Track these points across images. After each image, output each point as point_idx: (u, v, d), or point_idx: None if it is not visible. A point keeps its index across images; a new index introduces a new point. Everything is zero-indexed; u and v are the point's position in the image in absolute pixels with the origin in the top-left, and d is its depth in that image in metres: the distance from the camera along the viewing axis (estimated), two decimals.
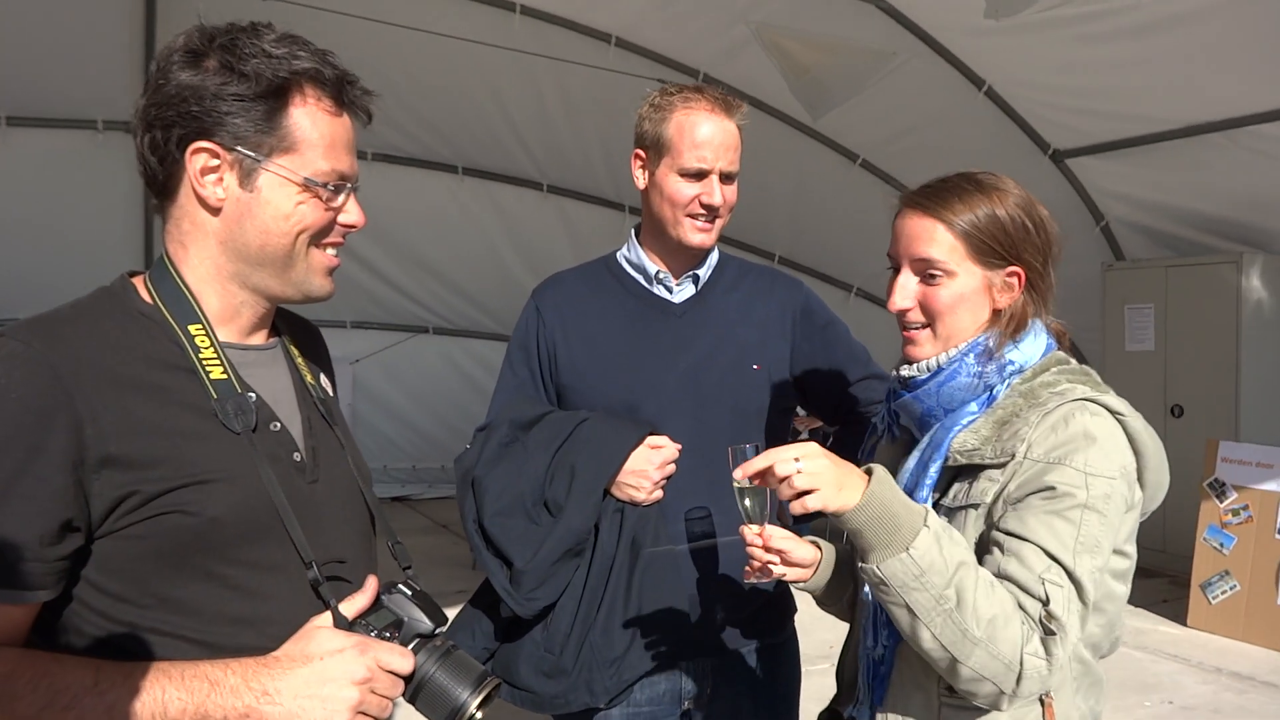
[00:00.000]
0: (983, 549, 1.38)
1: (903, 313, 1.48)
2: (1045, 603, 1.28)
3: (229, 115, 1.14)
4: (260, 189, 1.18)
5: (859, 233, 7.98)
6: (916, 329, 1.48)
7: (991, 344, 1.44)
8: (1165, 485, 1.45)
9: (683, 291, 1.99)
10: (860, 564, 1.31)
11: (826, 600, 1.70)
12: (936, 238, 1.43)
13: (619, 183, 8.29)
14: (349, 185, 1.24)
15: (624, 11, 6.61)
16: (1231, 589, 5.39)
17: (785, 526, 1.61)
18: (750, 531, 1.56)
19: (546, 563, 1.76)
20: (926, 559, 1.26)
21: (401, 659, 1.14)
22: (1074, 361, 1.49)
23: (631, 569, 1.80)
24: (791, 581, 1.63)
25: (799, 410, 2.18)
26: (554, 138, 7.73)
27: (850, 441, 2.09)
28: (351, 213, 1.25)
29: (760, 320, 1.99)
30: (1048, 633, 1.27)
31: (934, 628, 1.27)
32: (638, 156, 1.96)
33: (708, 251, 1.99)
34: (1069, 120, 6.63)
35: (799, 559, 1.60)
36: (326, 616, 1.16)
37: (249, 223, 1.18)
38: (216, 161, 1.16)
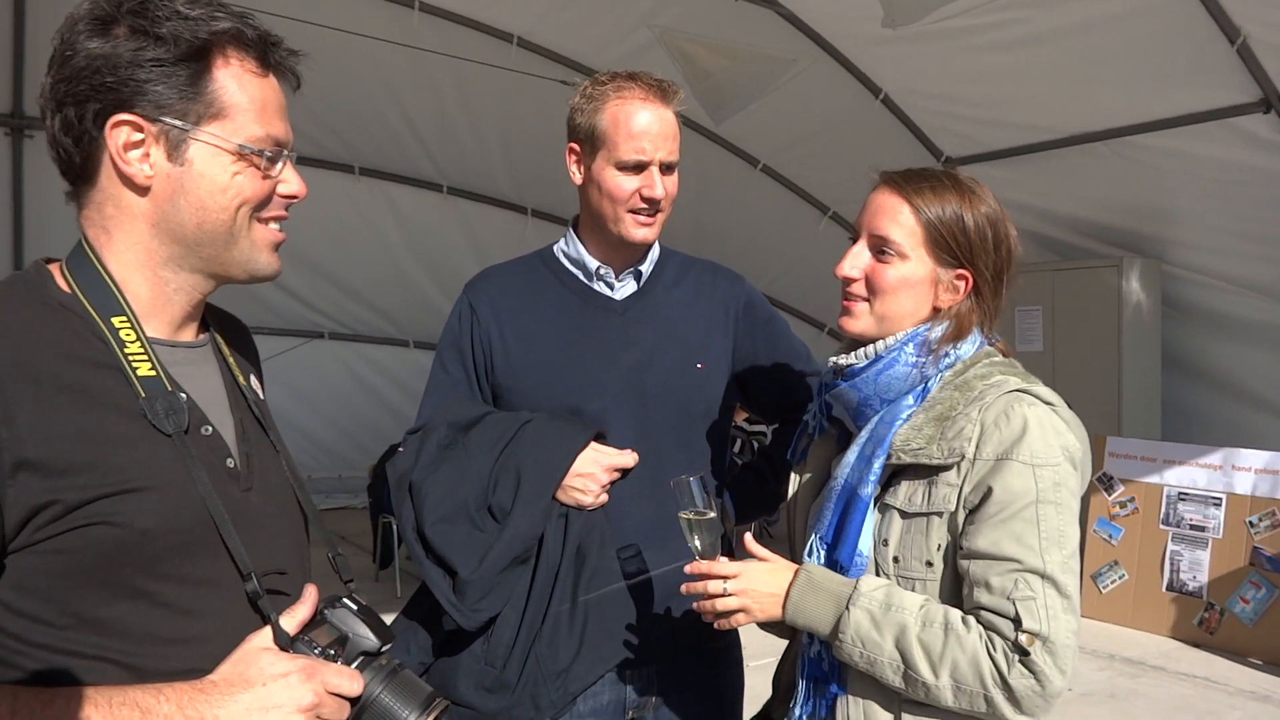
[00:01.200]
0: (951, 553, 1.40)
1: (847, 281, 1.50)
2: (1018, 623, 1.30)
3: (148, 83, 1.04)
4: (191, 161, 1.07)
5: (760, 236, 8.09)
6: (855, 300, 1.50)
7: (933, 341, 1.46)
8: (1088, 472, 1.47)
9: (624, 288, 1.92)
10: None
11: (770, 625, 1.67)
12: (899, 219, 1.45)
13: (521, 185, 8.20)
14: (285, 153, 1.14)
15: (526, 12, 6.54)
16: (1120, 578, 5.63)
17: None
18: (702, 568, 1.53)
19: (493, 571, 1.67)
20: (861, 636, 1.36)
21: (350, 682, 1.05)
22: (1000, 355, 1.52)
23: (577, 577, 1.73)
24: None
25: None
26: (454, 139, 7.59)
27: (785, 439, 2.08)
28: (291, 182, 1.16)
29: (704, 317, 1.93)
30: (1023, 654, 1.29)
31: (896, 684, 1.36)
32: (572, 151, 1.86)
33: (649, 246, 1.93)
34: (961, 128, 6.87)
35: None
36: (266, 633, 1.06)
37: (182, 200, 1.08)
38: (140, 135, 1.05)
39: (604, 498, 1.76)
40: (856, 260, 1.49)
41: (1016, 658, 1.29)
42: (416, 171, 7.95)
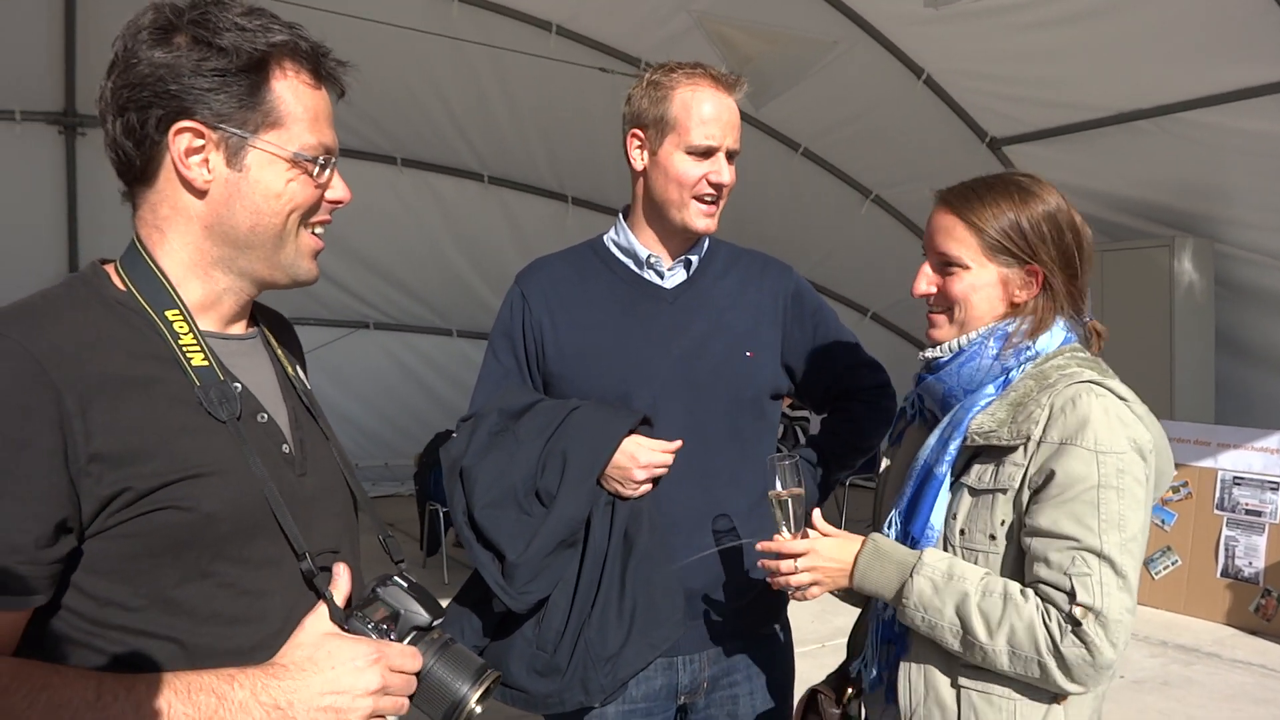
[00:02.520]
0: (1015, 530, 1.48)
1: (924, 297, 1.63)
2: (1072, 596, 1.37)
3: (210, 92, 1.09)
4: (249, 167, 1.12)
5: (800, 220, 8.04)
6: (936, 313, 1.62)
7: (1014, 336, 1.55)
8: (1169, 473, 1.54)
9: (674, 277, 1.93)
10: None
11: (844, 594, 1.76)
12: (955, 235, 1.57)
13: (561, 173, 8.22)
14: (333, 160, 1.19)
15: (565, 0, 6.54)
16: (1174, 564, 5.55)
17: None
18: (772, 546, 1.65)
19: (540, 554, 1.70)
20: (922, 602, 1.46)
21: (412, 660, 1.11)
22: (1085, 352, 1.59)
23: (625, 562, 1.75)
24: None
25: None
26: (495, 128, 7.62)
27: (837, 427, 2.07)
28: (338, 188, 1.21)
29: (752, 306, 1.94)
30: (1076, 624, 1.36)
31: (954, 648, 1.46)
32: (635, 136, 1.89)
33: (703, 236, 1.94)
34: (1005, 108, 6.76)
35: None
36: (323, 612, 1.11)
37: (238, 204, 1.13)
38: (201, 141, 1.10)
39: (645, 489, 1.78)
40: (925, 278, 1.62)
41: (1069, 628, 1.36)
42: (458, 161, 8.00)
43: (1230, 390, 6.80)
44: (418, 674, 1.12)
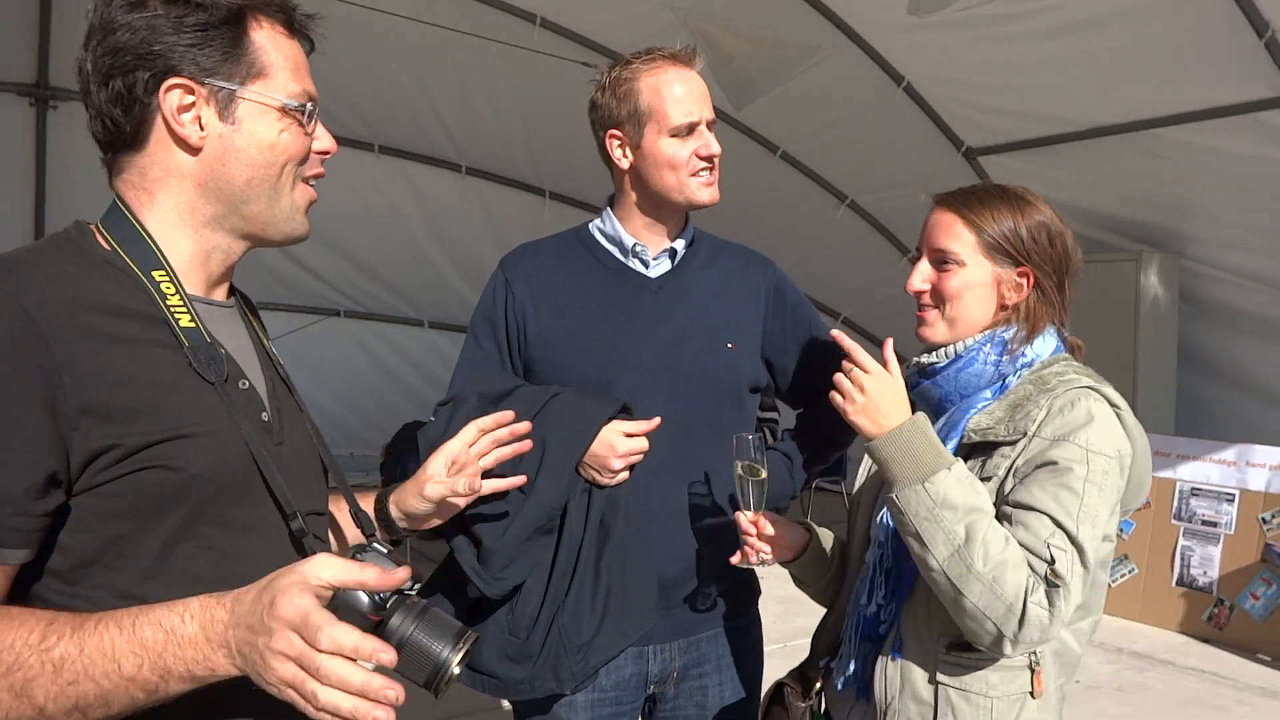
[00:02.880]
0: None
1: (918, 294, 1.65)
2: (1051, 563, 1.39)
3: (194, 47, 1.10)
4: (241, 120, 1.14)
5: (776, 222, 8.07)
6: (927, 310, 1.65)
7: (1011, 343, 1.58)
8: (1147, 485, 1.57)
9: (659, 266, 1.94)
10: (886, 495, 1.48)
11: (805, 579, 1.82)
12: (954, 231, 1.60)
13: (539, 167, 8.19)
14: (317, 109, 1.21)
15: None
16: (1130, 572, 5.64)
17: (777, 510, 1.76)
18: (745, 519, 1.69)
19: (516, 540, 1.70)
20: (941, 495, 1.40)
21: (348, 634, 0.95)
22: (1074, 359, 1.64)
23: (600, 550, 1.75)
24: (782, 563, 1.78)
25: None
26: (475, 119, 7.58)
27: (814, 422, 2.09)
28: (324, 138, 1.23)
29: (735, 298, 1.96)
30: (1052, 585, 1.38)
31: (940, 558, 1.40)
32: (614, 137, 1.90)
33: (687, 225, 1.96)
34: (982, 119, 6.83)
35: (790, 542, 1.77)
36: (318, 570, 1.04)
37: (233, 158, 1.14)
38: (191, 98, 1.11)
39: (622, 477, 1.78)
40: (921, 275, 1.64)
41: (1043, 587, 1.38)
42: (436, 151, 7.95)
43: (1190, 403, 6.93)
44: (399, 640, 1.07)
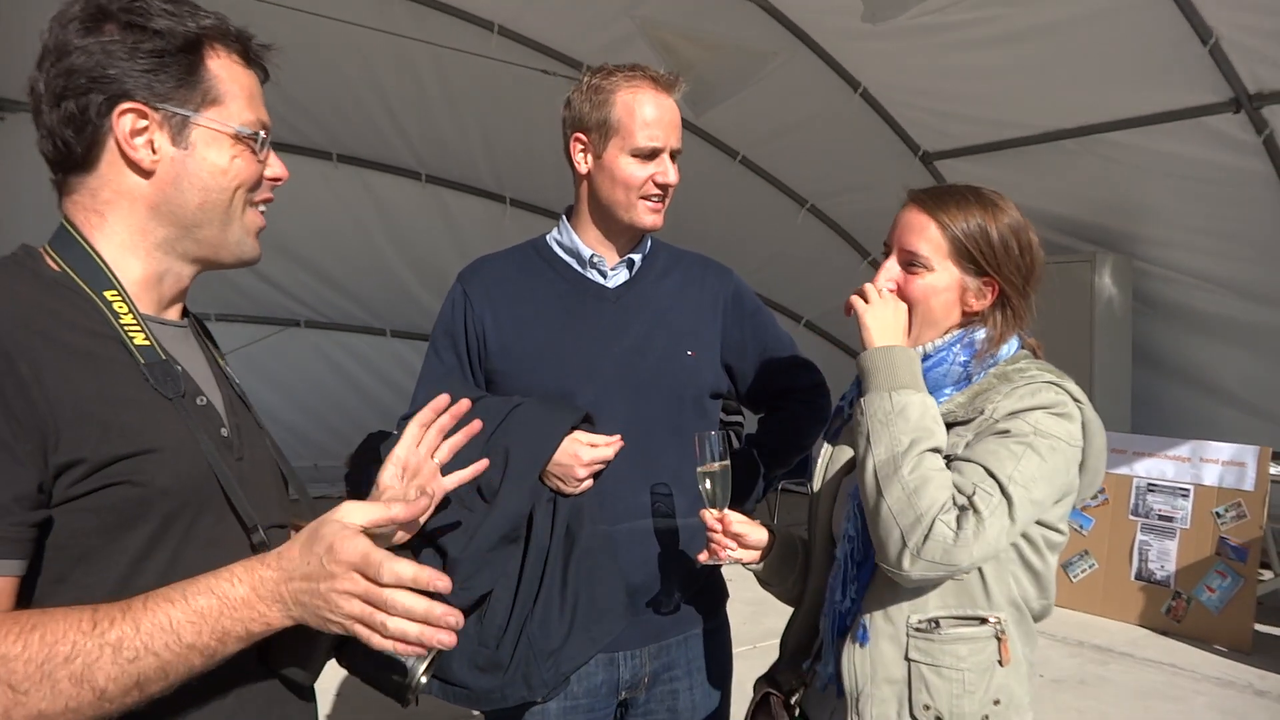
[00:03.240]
0: None
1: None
2: (971, 495, 1.42)
3: (149, 73, 1.11)
4: (194, 145, 1.15)
5: (737, 228, 8.12)
6: None
7: (978, 344, 1.60)
8: (1100, 477, 1.59)
9: (617, 277, 1.95)
10: (856, 415, 1.56)
11: (771, 580, 1.81)
12: (926, 234, 1.59)
13: (500, 174, 8.18)
14: (269, 137, 1.23)
15: (507, 0, 6.52)
16: (1090, 567, 5.74)
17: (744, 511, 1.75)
18: (711, 515, 1.69)
19: (482, 549, 1.69)
20: (901, 405, 1.48)
21: (407, 566, 1.02)
22: (1034, 355, 1.66)
23: (567, 558, 1.76)
24: (744, 563, 1.76)
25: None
26: (434, 127, 7.55)
27: (776, 426, 2.11)
28: (276, 165, 1.25)
29: (693, 306, 1.97)
30: (963, 510, 1.41)
31: (878, 459, 1.47)
32: (578, 140, 1.90)
33: (645, 236, 1.96)
34: (937, 124, 6.93)
35: (753, 542, 1.75)
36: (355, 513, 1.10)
37: (185, 182, 1.15)
38: (145, 123, 1.12)
39: (586, 485, 1.79)
40: (889, 274, 1.63)
41: (955, 511, 1.41)
42: (395, 159, 7.91)
43: (1145, 401, 7.07)
44: (366, 651, 1.10)
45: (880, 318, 1.57)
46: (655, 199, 1.88)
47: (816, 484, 1.78)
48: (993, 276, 1.57)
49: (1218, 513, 5.34)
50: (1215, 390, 6.70)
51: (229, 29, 1.19)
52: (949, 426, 1.54)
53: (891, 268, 1.63)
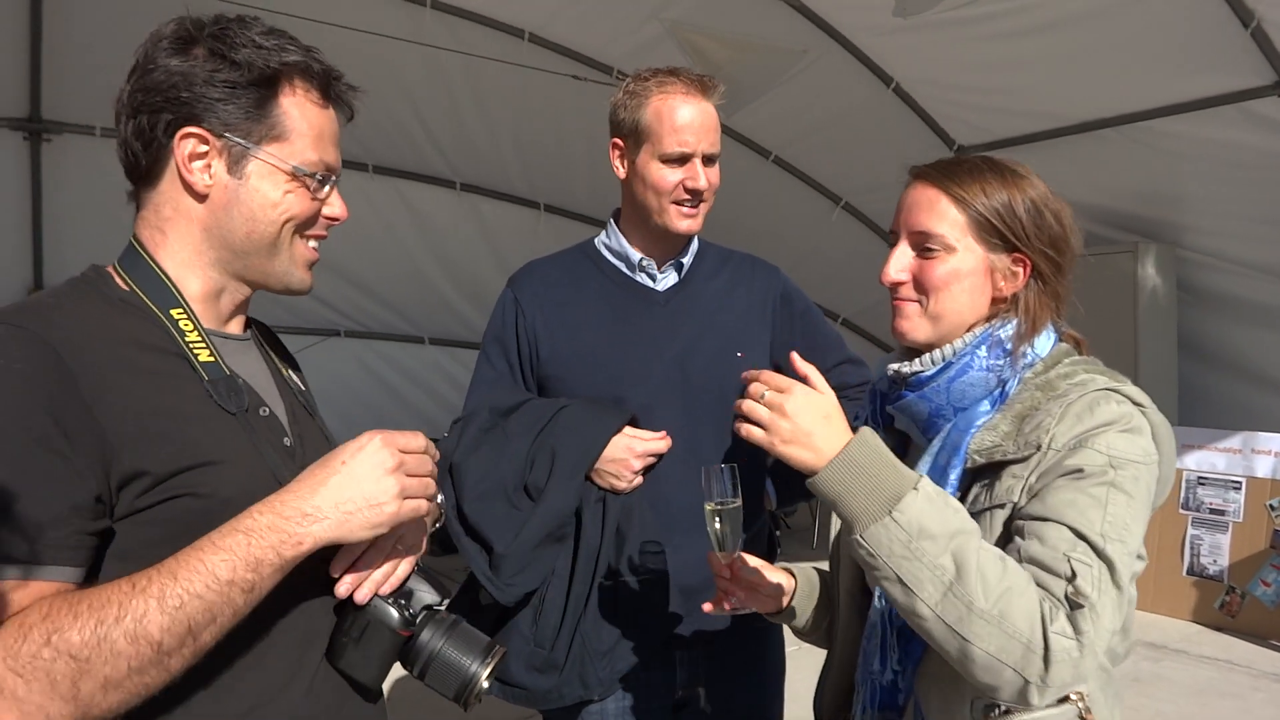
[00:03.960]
0: (1007, 544, 1.26)
1: (895, 286, 1.40)
2: (1071, 578, 1.16)
3: (219, 102, 1.15)
4: (249, 176, 1.18)
5: (772, 228, 8.10)
6: (906, 301, 1.40)
7: (1007, 340, 1.36)
8: (1171, 484, 1.37)
9: (666, 279, 1.96)
10: (848, 538, 1.21)
11: (804, 630, 1.62)
12: (939, 210, 1.36)
13: (533, 180, 8.21)
14: (334, 178, 1.25)
15: (537, 7, 6.55)
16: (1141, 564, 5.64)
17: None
18: (720, 560, 1.50)
19: (528, 546, 1.72)
20: (915, 524, 1.14)
21: (415, 438, 1.17)
22: (1076, 351, 1.43)
23: (618, 557, 1.77)
24: (764, 614, 1.57)
25: None
26: (467, 135, 7.60)
27: None
28: (335, 205, 1.27)
29: (742, 307, 1.98)
30: (1075, 607, 1.14)
31: (931, 602, 1.14)
32: (616, 146, 1.92)
33: (691, 237, 1.97)
34: (972, 117, 6.87)
35: (770, 589, 1.56)
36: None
37: (235, 210, 1.18)
38: (205, 148, 1.16)
39: (638, 481, 1.80)
40: (899, 262, 1.39)
41: (1064, 611, 1.14)
42: (430, 168, 7.97)
43: (1192, 392, 6.94)
44: (428, 654, 1.16)
45: (796, 433, 1.20)
46: (687, 204, 1.88)
47: (834, 532, 1.55)
48: (1023, 252, 1.34)
49: (1272, 505, 5.24)
50: (1265, 380, 6.57)
51: (314, 67, 1.22)
52: (998, 466, 1.28)
53: (901, 256, 1.38)
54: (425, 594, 1.18)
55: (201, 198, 1.17)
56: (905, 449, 1.47)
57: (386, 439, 1.12)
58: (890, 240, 1.44)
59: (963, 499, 1.31)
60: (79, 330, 1.07)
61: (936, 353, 1.37)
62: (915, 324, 1.38)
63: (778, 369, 2.00)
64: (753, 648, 1.94)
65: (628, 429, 1.81)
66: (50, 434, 0.98)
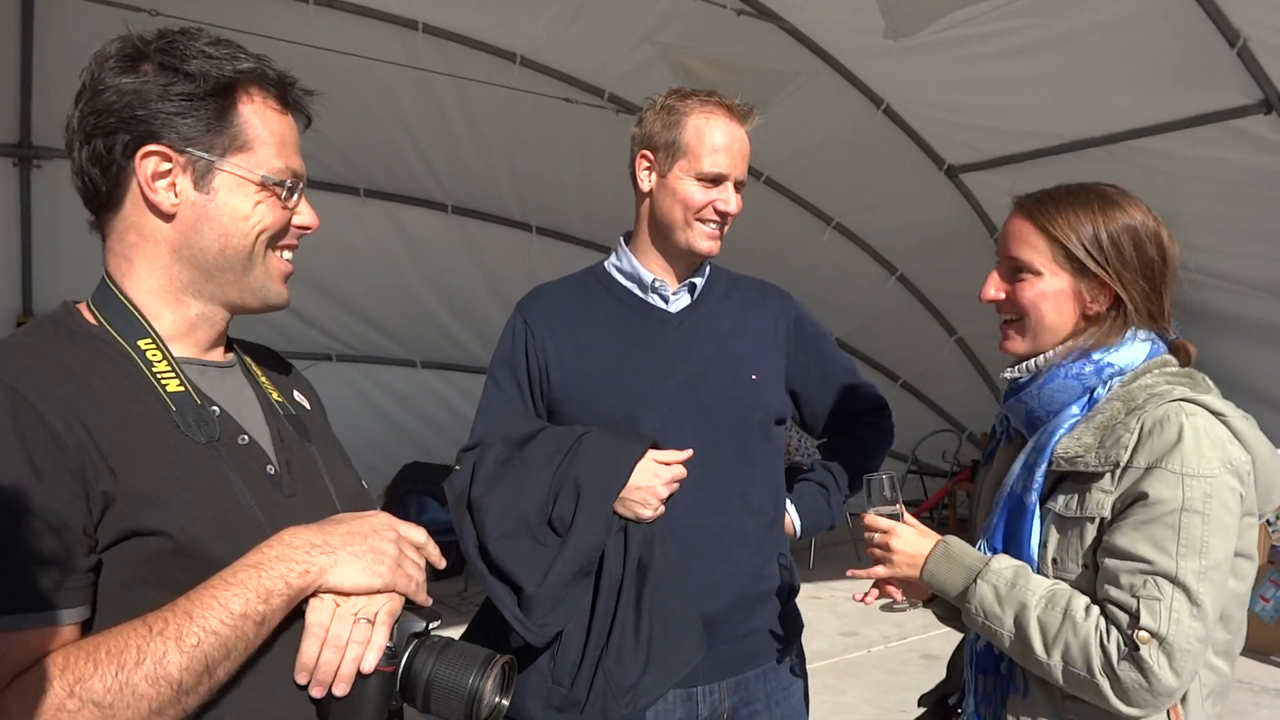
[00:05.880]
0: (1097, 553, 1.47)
1: (993, 303, 1.62)
2: (1135, 619, 1.35)
3: (177, 116, 1.12)
4: (216, 190, 1.15)
5: (764, 248, 8.10)
6: (1008, 323, 1.62)
7: (1092, 354, 1.54)
8: (1277, 488, 1.48)
9: (679, 301, 1.95)
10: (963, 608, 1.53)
11: (949, 616, 1.74)
12: (1029, 240, 1.55)
13: (525, 203, 8.21)
14: (301, 184, 1.22)
15: (529, 31, 6.57)
16: None
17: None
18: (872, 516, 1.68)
19: (558, 585, 1.68)
20: (985, 607, 1.46)
21: (418, 531, 1.19)
22: (1177, 364, 1.56)
23: (640, 589, 1.74)
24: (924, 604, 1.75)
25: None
26: (459, 158, 7.60)
27: (843, 450, 2.10)
28: (305, 214, 1.24)
29: (755, 330, 1.97)
30: (1134, 648, 1.35)
31: (1013, 652, 1.47)
32: (644, 158, 1.91)
33: (705, 260, 1.97)
34: (962, 137, 6.92)
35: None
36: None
37: (206, 226, 1.15)
38: (168, 165, 1.13)
39: (661, 509, 1.78)
40: (994, 283, 1.61)
41: (1127, 651, 1.35)
42: (422, 191, 7.95)
43: None
44: (426, 682, 1.10)
45: (901, 560, 1.59)
46: (713, 225, 1.88)
47: (971, 509, 1.77)
48: (1105, 278, 1.52)
49: (1269, 520, 5.25)
50: (1258, 396, 6.59)
51: (268, 74, 1.19)
52: (1083, 478, 1.46)
53: (995, 277, 1.61)
54: (409, 623, 1.13)
55: (168, 218, 1.14)
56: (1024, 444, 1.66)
57: (393, 520, 1.16)
58: (997, 263, 1.65)
59: (1048, 497, 1.51)
60: (41, 371, 1.05)
61: (1030, 362, 1.58)
62: (1016, 343, 1.61)
63: (791, 394, 2.00)
64: (775, 682, 1.92)
65: (651, 452, 1.78)
66: (34, 476, 0.97)
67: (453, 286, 8.29)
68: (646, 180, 1.91)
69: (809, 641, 1.88)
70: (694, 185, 1.85)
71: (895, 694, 4.62)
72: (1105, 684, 1.36)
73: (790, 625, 1.96)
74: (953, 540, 1.57)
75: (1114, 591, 1.39)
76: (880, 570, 1.62)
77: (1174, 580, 1.35)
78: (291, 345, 8.33)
